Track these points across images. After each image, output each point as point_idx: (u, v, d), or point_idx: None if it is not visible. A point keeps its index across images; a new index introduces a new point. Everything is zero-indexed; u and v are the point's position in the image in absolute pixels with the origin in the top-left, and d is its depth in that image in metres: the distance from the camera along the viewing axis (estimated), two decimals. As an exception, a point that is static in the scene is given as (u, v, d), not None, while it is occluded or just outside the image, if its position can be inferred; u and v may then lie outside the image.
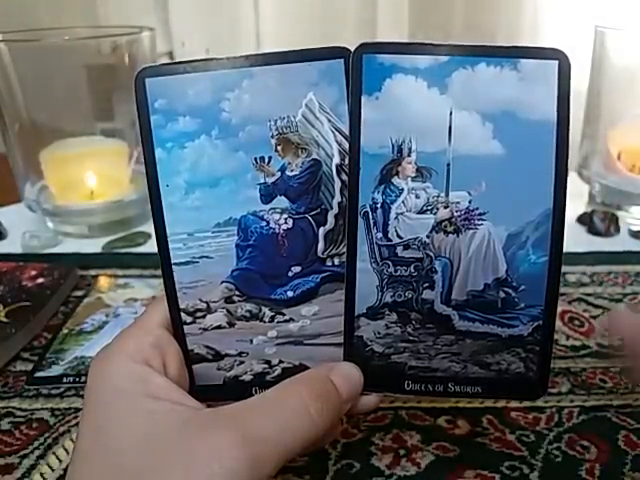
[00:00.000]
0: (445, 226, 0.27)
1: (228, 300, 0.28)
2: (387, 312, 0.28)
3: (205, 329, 0.28)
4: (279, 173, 0.28)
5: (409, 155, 0.27)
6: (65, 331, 0.45)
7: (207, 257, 0.28)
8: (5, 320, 0.45)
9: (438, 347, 0.28)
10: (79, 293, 0.51)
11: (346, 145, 0.27)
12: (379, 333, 0.28)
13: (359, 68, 0.26)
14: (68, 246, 0.62)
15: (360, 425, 0.36)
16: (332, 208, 0.28)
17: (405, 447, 0.34)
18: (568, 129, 0.26)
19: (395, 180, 0.27)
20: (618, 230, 0.61)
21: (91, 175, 0.63)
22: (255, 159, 0.27)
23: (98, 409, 0.25)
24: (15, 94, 0.61)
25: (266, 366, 0.29)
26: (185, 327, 0.28)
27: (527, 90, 0.26)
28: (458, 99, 0.26)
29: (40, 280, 0.50)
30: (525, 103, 0.26)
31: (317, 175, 0.28)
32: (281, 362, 0.29)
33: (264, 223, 0.28)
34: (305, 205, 0.28)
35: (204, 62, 0.27)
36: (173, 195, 0.27)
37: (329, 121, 0.27)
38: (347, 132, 0.27)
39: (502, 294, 0.27)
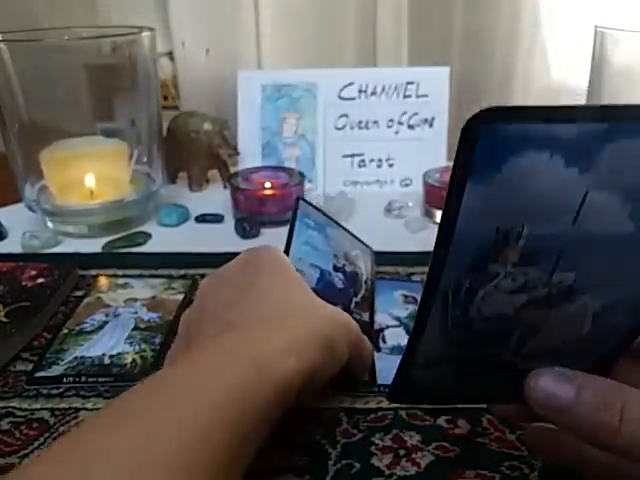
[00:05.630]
0: (538, 303, 0.24)
1: None
2: (447, 364, 0.26)
3: None
4: None
5: (517, 242, 0.22)
6: (65, 331, 0.45)
7: None
8: (5, 320, 0.45)
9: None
10: (79, 293, 0.51)
11: None
12: (432, 376, 0.27)
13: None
14: (68, 246, 0.62)
15: (360, 425, 0.36)
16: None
17: (405, 447, 0.34)
18: None
19: (491, 266, 0.22)
20: (618, 230, 0.60)
21: (91, 175, 0.63)
22: None
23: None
24: (15, 94, 0.61)
25: None
26: None
27: None
28: (600, 178, 0.20)
29: (40, 280, 0.50)
30: None
31: None
32: None
33: None
34: None
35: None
36: None
37: None
38: None
39: (577, 347, 0.26)
